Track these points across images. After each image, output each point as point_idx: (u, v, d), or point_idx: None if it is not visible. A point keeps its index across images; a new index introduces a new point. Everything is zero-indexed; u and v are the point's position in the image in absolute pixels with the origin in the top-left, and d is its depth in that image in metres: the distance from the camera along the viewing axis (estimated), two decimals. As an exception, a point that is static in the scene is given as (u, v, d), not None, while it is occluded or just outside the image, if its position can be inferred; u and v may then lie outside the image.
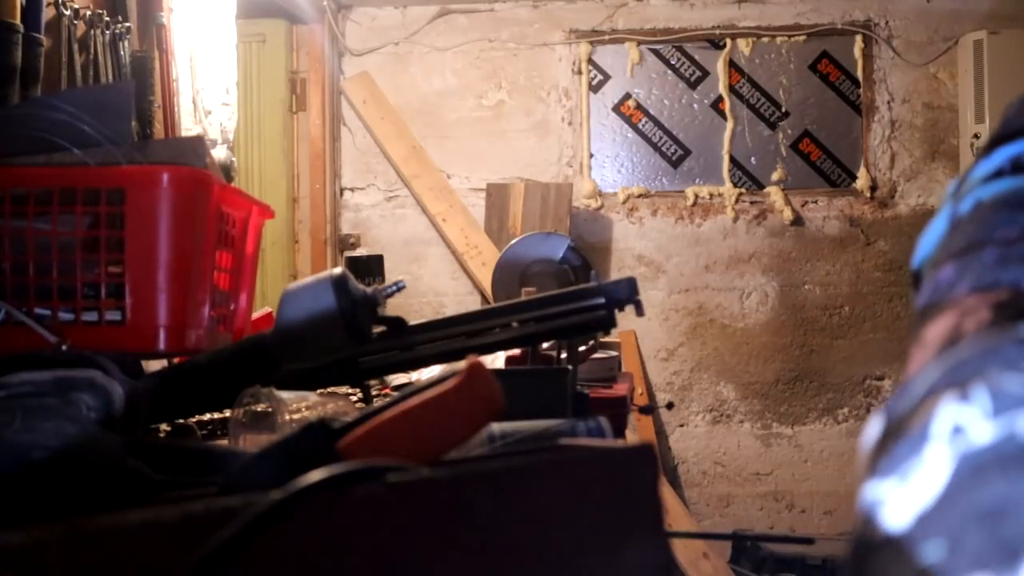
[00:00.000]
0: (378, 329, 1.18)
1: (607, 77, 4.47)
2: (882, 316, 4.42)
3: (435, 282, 4.45)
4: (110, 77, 2.07)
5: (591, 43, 4.46)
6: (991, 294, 0.39)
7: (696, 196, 4.42)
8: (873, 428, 0.33)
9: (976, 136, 4.22)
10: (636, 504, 0.45)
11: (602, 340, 2.07)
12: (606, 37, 4.46)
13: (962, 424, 0.28)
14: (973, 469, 0.27)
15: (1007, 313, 0.37)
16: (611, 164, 4.48)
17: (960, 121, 4.37)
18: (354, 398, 1.39)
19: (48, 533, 0.45)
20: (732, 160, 4.44)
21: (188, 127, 2.54)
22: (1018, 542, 0.24)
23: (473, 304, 4.32)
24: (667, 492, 4.18)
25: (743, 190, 4.43)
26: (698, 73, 4.46)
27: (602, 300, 1.15)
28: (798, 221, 4.42)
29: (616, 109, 4.47)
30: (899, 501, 0.28)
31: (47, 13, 1.85)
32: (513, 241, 3.91)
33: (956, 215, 0.47)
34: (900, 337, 4.40)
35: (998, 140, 0.49)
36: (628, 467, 0.45)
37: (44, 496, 0.71)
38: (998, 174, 0.46)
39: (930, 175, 4.42)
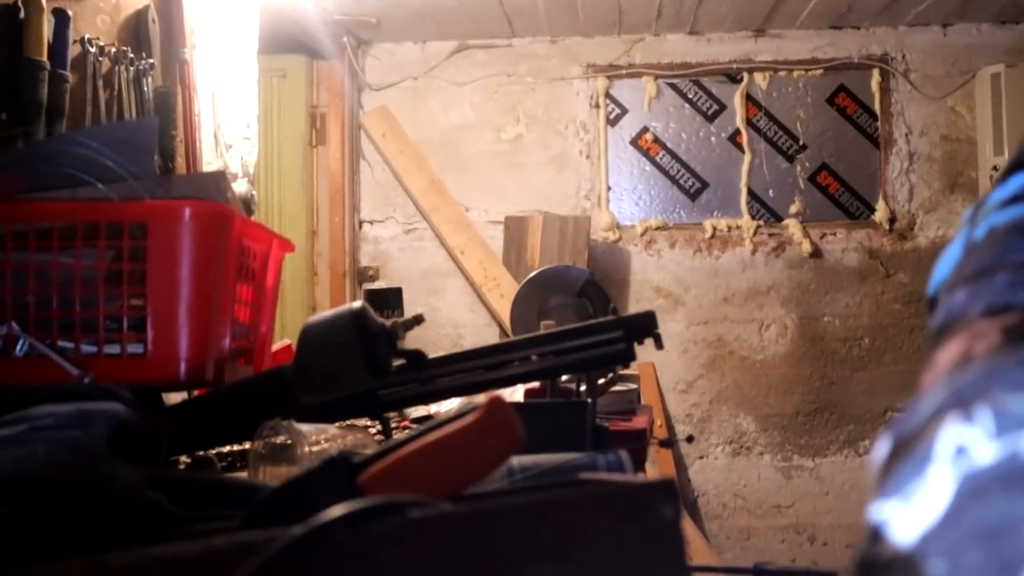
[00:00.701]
0: (397, 362, 1.18)
1: (624, 111, 4.49)
2: (903, 348, 4.39)
3: (454, 314, 4.46)
4: (134, 113, 2.10)
5: (608, 77, 4.48)
6: (1002, 317, 0.39)
7: (714, 228, 4.42)
8: (880, 448, 0.33)
9: (995, 168, 4.20)
10: (658, 539, 0.45)
11: (621, 372, 2.07)
12: (623, 71, 4.48)
13: (965, 444, 0.28)
14: (975, 489, 0.27)
15: (1017, 336, 0.37)
16: (629, 197, 4.49)
17: (979, 153, 4.36)
18: (373, 431, 1.39)
19: (70, 567, 0.45)
20: (750, 193, 4.44)
21: (210, 161, 2.56)
22: (1016, 560, 0.24)
23: (491, 336, 4.32)
24: (687, 525, 4.14)
25: (761, 222, 4.43)
26: (715, 107, 4.48)
27: (621, 333, 1.15)
28: (817, 253, 4.41)
29: (634, 142, 4.48)
30: (903, 521, 0.28)
31: (73, 50, 1.87)
32: (531, 274, 3.91)
33: (971, 241, 0.47)
34: (921, 369, 4.35)
35: (1014, 167, 0.49)
36: (650, 502, 0.45)
37: (65, 529, 0.71)
38: (1013, 200, 0.46)
39: (949, 207, 4.41)
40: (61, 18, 1.81)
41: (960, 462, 0.28)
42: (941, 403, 0.32)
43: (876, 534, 0.29)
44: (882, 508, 0.29)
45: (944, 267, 0.48)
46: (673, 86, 4.49)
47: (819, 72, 4.43)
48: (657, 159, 4.47)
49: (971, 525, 0.26)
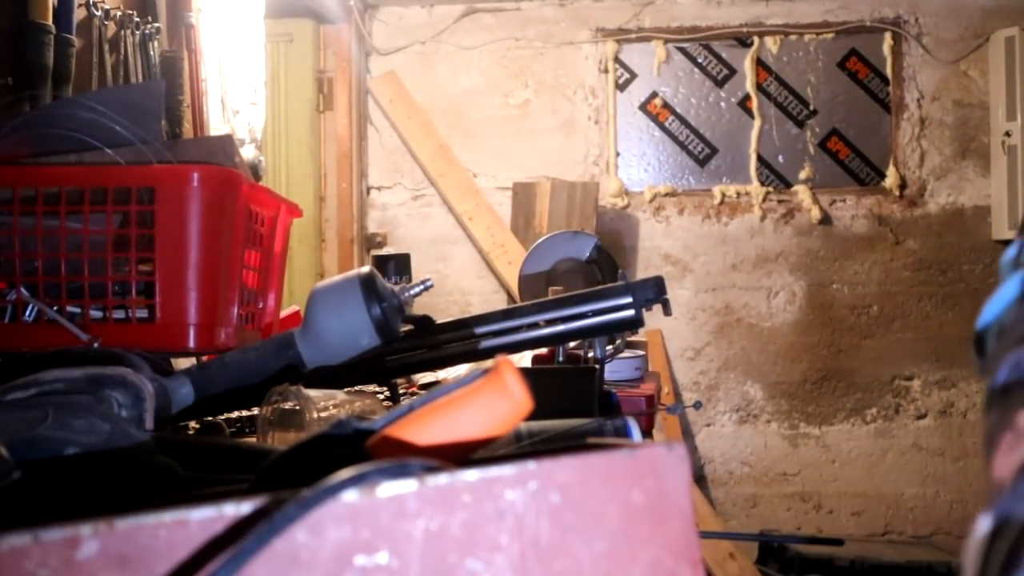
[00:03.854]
0: (405, 328, 1.18)
1: (634, 75, 4.46)
2: (911, 316, 4.38)
3: (461, 281, 4.46)
4: (140, 77, 2.09)
5: (618, 41, 4.45)
6: None
7: (723, 195, 4.40)
8: (981, 527, 0.32)
9: (1007, 134, 4.17)
10: (666, 504, 0.45)
11: (629, 339, 2.07)
12: (633, 35, 4.44)
13: None
14: None
15: None
16: (638, 163, 4.46)
17: (991, 118, 4.33)
18: (381, 397, 1.39)
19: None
20: (759, 158, 4.41)
21: (217, 126, 2.55)
22: None
23: (499, 303, 4.32)
24: (694, 492, 4.16)
25: (770, 189, 4.41)
26: (725, 71, 4.44)
27: (630, 299, 1.15)
28: (826, 220, 4.39)
29: (643, 107, 4.45)
30: None
31: (78, 14, 1.86)
32: (539, 240, 3.90)
33: None
34: (929, 337, 4.36)
35: None
36: (658, 467, 0.45)
37: (76, 491, 0.71)
38: None
39: (960, 173, 4.38)
40: (66, -19, 1.80)
41: None
42: None
43: None
44: None
45: (996, 307, 0.46)
46: (683, 50, 4.45)
47: (830, 36, 4.39)
48: (666, 124, 4.44)
49: None
